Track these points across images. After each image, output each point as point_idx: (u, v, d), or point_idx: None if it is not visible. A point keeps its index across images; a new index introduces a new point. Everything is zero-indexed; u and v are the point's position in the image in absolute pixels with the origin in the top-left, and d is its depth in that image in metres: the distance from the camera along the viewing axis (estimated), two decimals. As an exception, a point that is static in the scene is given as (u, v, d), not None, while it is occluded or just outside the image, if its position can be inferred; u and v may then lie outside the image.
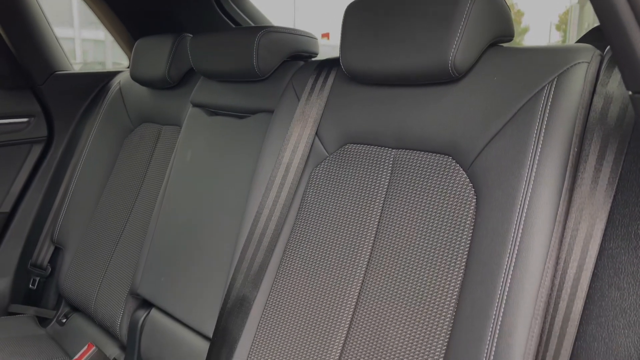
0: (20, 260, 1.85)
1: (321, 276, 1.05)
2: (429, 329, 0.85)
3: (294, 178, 1.13)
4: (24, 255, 1.85)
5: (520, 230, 0.74)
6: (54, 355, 1.54)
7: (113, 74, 1.95)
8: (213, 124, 1.37)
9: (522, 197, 0.75)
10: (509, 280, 0.74)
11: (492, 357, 0.72)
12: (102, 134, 1.84)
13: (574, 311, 0.70)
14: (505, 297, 0.73)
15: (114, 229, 1.63)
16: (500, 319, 0.73)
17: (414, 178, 0.98)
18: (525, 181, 0.75)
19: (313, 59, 1.33)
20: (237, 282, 1.13)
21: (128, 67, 1.85)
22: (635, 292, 0.65)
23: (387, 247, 0.97)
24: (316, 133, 1.14)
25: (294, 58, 1.30)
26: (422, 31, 0.91)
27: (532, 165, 0.76)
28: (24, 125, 1.83)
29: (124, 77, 1.86)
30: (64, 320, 1.71)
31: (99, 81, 1.94)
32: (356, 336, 0.96)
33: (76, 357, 1.37)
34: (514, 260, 0.74)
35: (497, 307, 0.74)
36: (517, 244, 0.74)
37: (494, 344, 0.72)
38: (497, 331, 0.72)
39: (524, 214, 0.74)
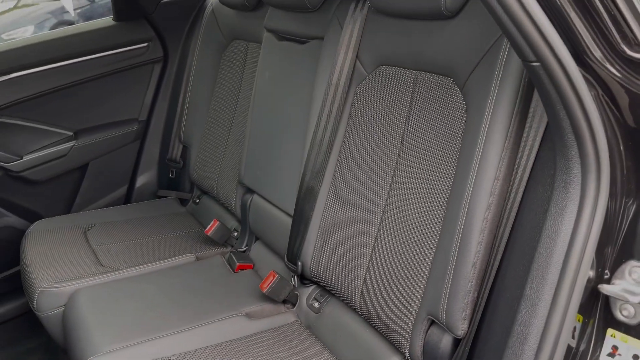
0: (160, 156, 2.40)
1: (366, 169, 1.38)
2: (432, 199, 1.17)
3: (341, 95, 1.43)
4: (162, 152, 2.39)
5: (482, 145, 1.00)
6: (193, 226, 2.09)
7: (206, -5, 2.26)
8: (282, 47, 1.67)
9: (485, 120, 1.00)
10: (474, 178, 1.02)
11: (463, 225, 1.03)
12: (204, 49, 2.21)
13: (515, 202, 0.97)
14: (471, 190, 1.03)
15: (223, 130, 2.07)
16: (468, 201, 1.03)
17: (427, 95, 1.23)
18: (487, 110, 1.00)
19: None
20: (306, 176, 1.51)
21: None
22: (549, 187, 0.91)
23: (410, 148, 1.27)
24: (357, 57, 1.40)
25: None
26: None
27: (493, 98, 0.99)
28: (145, 50, 2.26)
29: (214, -1, 2.17)
30: (197, 201, 2.25)
31: (196, 3, 2.27)
32: (390, 210, 1.30)
33: (207, 228, 1.89)
34: (476, 169, 1.02)
35: (466, 193, 1.03)
36: (480, 155, 1.01)
37: (465, 213, 1.03)
38: (467, 207, 1.03)
39: (485, 133, 1.00)
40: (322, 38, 1.51)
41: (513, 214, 0.98)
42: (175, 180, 2.38)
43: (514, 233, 0.98)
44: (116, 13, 2.23)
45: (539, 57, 0.73)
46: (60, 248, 1.85)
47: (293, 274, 1.59)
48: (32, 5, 8.49)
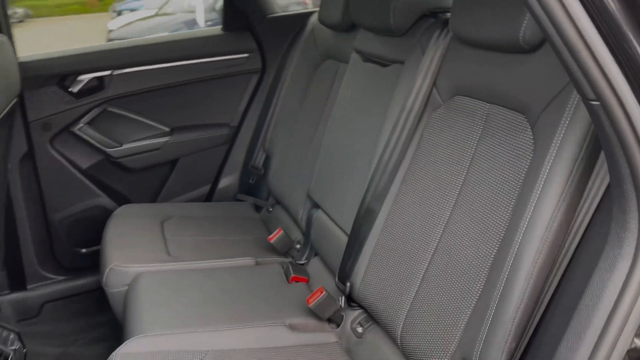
0: (244, 162, 2.49)
1: (427, 199, 1.33)
2: (485, 239, 1.11)
3: (413, 120, 1.41)
4: (246, 158, 2.49)
5: (541, 188, 0.94)
6: (261, 233, 2.14)
7: (309, 14, 2.34)
8: (366, 69, 1.68)
9: (547, 161, 0.93)
10: (526, 222, 0.95)
11: (509, 271, 0.96)
12: (300, 65, 2.28)
13: (568, 252, 0.89)
14: (522, 235, 0.96)
15: (303, 145, 2.11)
16: (517, 246, 0.96)
17: (498, 130, 1.18)
18: (551, 150, 0.93)
19: (440, 16, 1.50)
20: (367, 196, 1.49)
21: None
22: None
23: (473, 183, 1.21)
24: (434, 84, 1.38)
25: (428, 15, 1.50)
26: (504, 10, 1.07)
27: (559, 139, 0.92)
28: (245, 60, 2.38)
29: (315, 18, 2.24)
30: (271, 209, 2.31)
31: (299, 21, 2.36)
32: (443, 245, 1.25)
33: (270, 235, 1.93)
34: (530, 212, 0.95)
35: (517, 237, 0.97)
36: (537, 198, 0.94)
37: (512, 259, 0.96)
38: (515, 253, 0.96)
39: (546, 175, 0.93)
40: (403, 62, 1.51)
41: (564, 265, 0.90)
42: (254, 186, 2.46)
43: (562, 285, 0.90)
44: (224, 23, 2.38)
45: (599, 96, 0.68)
46: (138, 232, 1.98)
47: (342, 294, 1.57)
48: (170, 14, 9.30)
